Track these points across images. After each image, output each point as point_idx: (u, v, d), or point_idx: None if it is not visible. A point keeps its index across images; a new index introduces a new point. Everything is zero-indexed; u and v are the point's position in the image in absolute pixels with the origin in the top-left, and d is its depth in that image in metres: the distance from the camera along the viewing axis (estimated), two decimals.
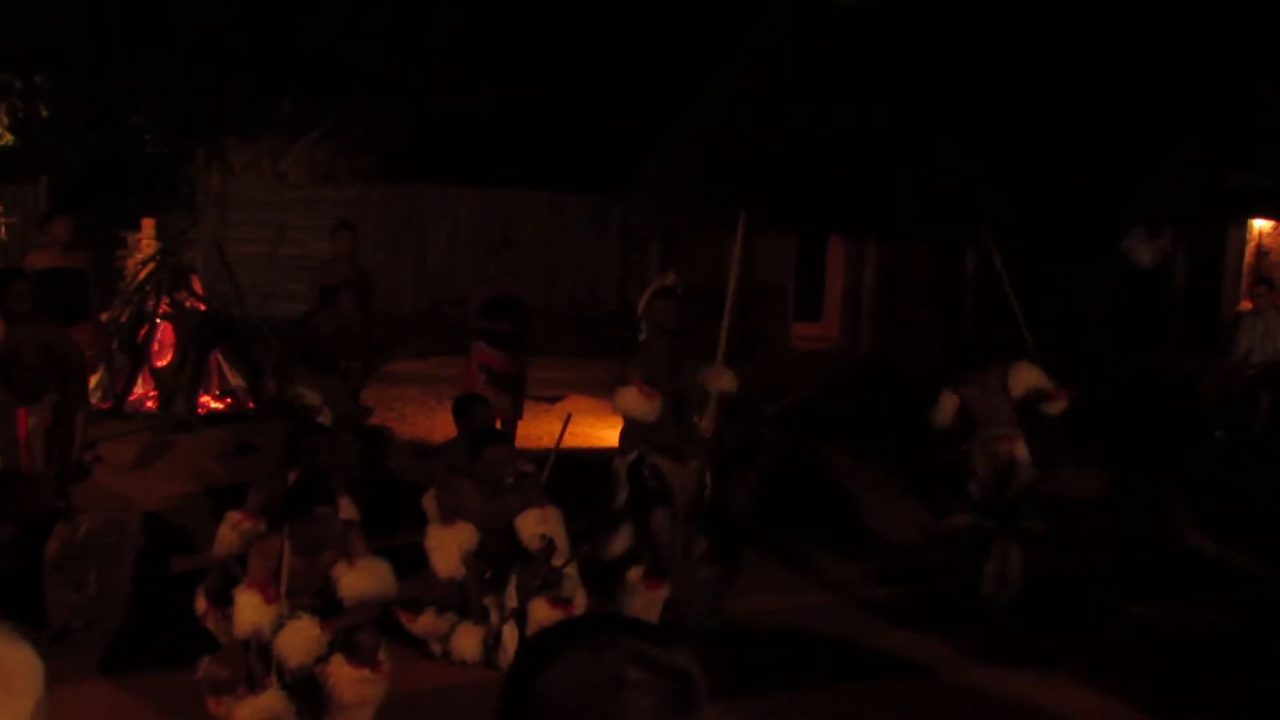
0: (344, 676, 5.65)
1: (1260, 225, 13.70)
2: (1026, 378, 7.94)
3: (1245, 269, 13.35)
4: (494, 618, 6.54)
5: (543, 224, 18.61)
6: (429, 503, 7.18)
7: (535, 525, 6.51)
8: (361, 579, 5.79)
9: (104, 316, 10.48)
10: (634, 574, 7.07)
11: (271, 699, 5.53)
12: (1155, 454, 10.69)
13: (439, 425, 11.36)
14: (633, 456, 7.13)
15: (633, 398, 6.97)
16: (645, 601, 6.97)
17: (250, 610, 5.59)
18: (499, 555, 6.66)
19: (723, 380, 7.18)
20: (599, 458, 8.08)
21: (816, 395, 12.40)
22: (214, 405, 10.57)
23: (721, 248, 14.30)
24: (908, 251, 15.24)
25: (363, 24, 17.64)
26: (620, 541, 7.20)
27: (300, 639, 5.58)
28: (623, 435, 7.33)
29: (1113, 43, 14.04)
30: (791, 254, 16.58)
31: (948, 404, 7.89)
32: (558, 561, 6.49)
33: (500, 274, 10.32)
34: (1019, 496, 7.73)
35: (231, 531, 6.41)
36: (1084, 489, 10.37)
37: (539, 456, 7.65)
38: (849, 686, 6.52)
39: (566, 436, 7.55)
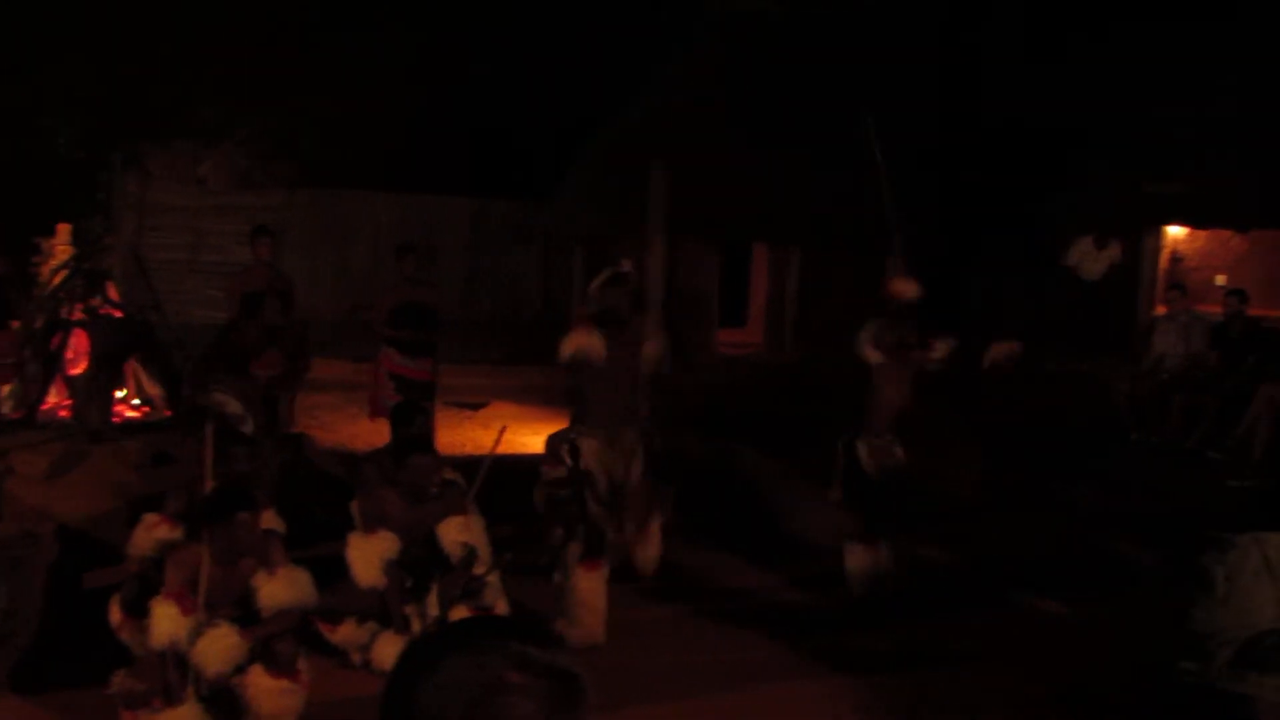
0: (263, 687, 5.59)
1: (1174, 232, 14.04)
2: None
3: (1160, 275, 13.63)
4: (415, 627, 6.49)
5: (466, 230, 18.55)
6: (356, 509, 7.11)
7: (457, 533, 6.48)
8: (281, 588, 5.73)
9: (16, 324, 10.28)
10: (572, 554, 7.05)
11: (189, 711, 5.44)
12: (1071, 456, 10.85)
13: (361, 432, 11.27)
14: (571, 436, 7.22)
15: (580, 335, 6.97)
16: (588, 583, 6.96)
17: (167, 621, 5.48)
18: (421, 564, 6.62)
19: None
20: (523, 466, 8.06)
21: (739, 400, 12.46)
22: (130, 414, 10.40)
23: (645, 255, 14.35)
24: (830, 259, 15.36)
25: (284, 28, 17.46)
26: (559, 531, 7.20)
27: (219, 647, 5.50)
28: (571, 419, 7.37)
29: (1024, 52, 14.25)
30: (716, 261, 16.66)
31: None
32: (479, 570, 6.46)
33: (403, 280, 10.23)
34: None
35: (147, 535, 6.30)
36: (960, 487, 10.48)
37: (463, 464, 7.61)
38: (772, 688, 6.55)
39: (489, 444, 7.52)
